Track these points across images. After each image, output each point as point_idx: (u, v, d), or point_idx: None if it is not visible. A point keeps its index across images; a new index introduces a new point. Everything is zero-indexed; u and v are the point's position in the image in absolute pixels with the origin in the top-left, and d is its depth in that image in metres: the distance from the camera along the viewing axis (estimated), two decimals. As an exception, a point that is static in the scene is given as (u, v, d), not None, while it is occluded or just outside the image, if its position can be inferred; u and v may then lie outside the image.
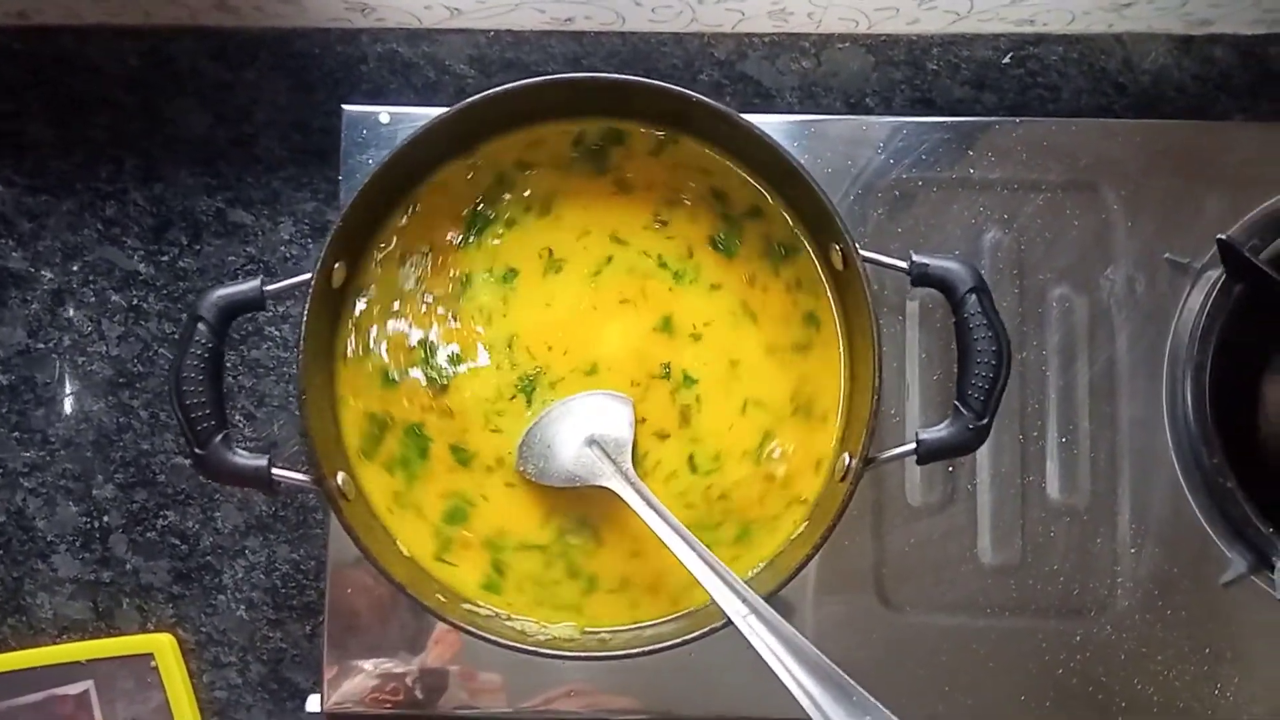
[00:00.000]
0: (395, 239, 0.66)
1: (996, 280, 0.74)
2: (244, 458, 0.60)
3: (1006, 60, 0.83)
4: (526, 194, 0.68)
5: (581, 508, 0.66)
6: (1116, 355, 0.75)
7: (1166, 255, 0.76)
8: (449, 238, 0.67)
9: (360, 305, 0.66)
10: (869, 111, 0.83)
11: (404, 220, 0.66)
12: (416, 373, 0.67)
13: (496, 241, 0.67)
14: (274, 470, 0.60)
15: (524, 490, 0.66)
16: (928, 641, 0.73)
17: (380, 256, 0.66)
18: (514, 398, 0.66)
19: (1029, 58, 0.83)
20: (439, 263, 0.67)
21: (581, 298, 0.67)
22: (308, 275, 0.59)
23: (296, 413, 0.75)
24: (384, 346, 0.66)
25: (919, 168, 0.76)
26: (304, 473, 0.61)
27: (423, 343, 0.67)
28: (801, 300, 0.67)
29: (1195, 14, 0.80)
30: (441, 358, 0.66)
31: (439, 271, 0.67)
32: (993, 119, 0.78)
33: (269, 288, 0.60)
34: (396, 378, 0.66)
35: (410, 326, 0.67)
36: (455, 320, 0.67)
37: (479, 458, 0.66)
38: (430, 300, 0.67)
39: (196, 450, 0.58)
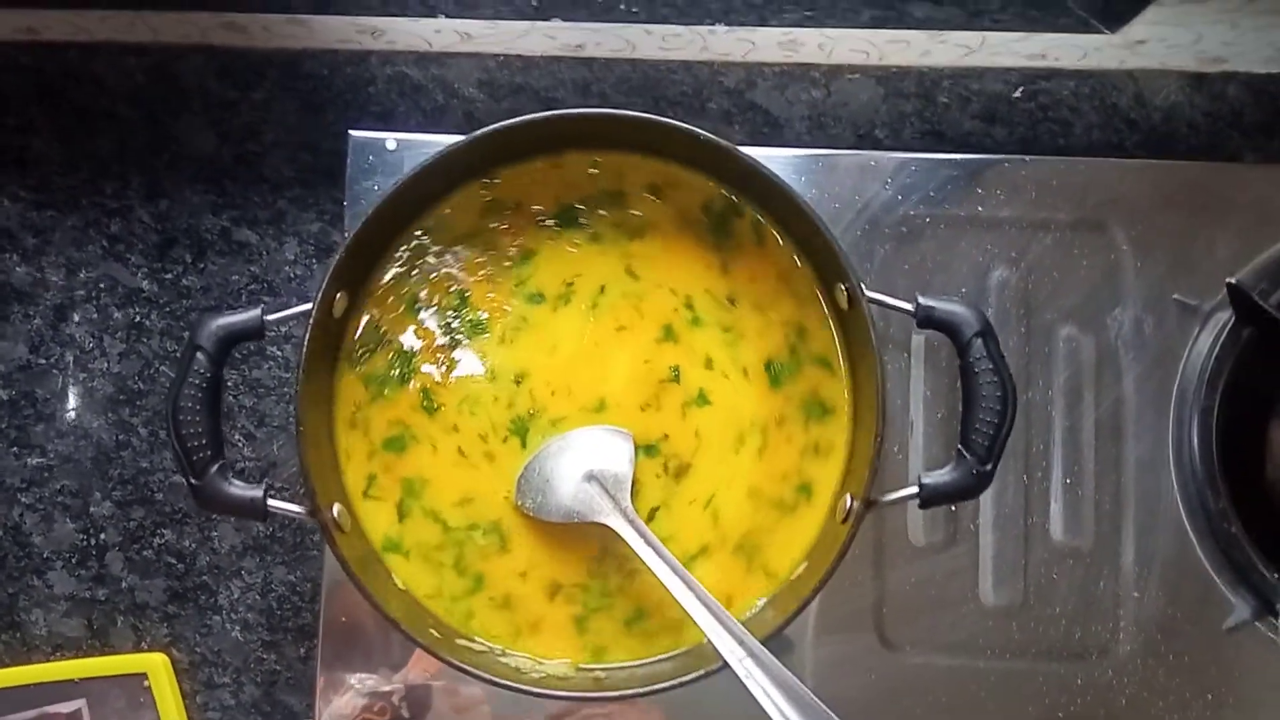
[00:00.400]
0: (398, 269, 0.66)
1: (1003, 319, 0.74)
2: (239, 488, 0.59)
3: (1018, 94, 0.83)
4: (522, 236, 0.68)
5: (579, 543, 0.66)
6: (1123, 396, 0.75)
7: (1175, 296, 0.75)
8: (456, 269, 0.67)
9: (360, 335, 0.65)
10: (878, 143, 0.82)
11: (409, 248, 0.66)
12: (415, 403, 0.66)
13: (505, 275, 0.67)
14: (270, 502, 0.59)
15: (521, 523, 0.66)
16: (927, 682, 0.72)
17: (383, 287, 0.65)
18: (506, 439, 0.66)
19: (1040, 92, 0.83)
20: (444, 293, 0.67)
21: (584, 333, 0.67)
22: (308, 305, 0.58)
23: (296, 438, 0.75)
24: (383, 377, 0.66)
25: (927, 204, 0.75)
26: (300, 503, 0.60)
27: (423, 376, 0.66)
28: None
29: (1208, 51, 0.80)
30: (442, 392, 0.66)
31: (443, 302, 0.67)
32: (1002, 157, 0.77)
33: (270, 317, 0.60)
34: (395, 406, 0.66)
35: (411, 358, 0.66)
36: (459, 352, 0.67)
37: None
38: (433, 331, 0.66)
39: (192, 480, 0.58)
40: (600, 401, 0.66)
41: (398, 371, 0.66)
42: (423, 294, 0.66)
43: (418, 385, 0.66)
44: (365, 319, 0.65)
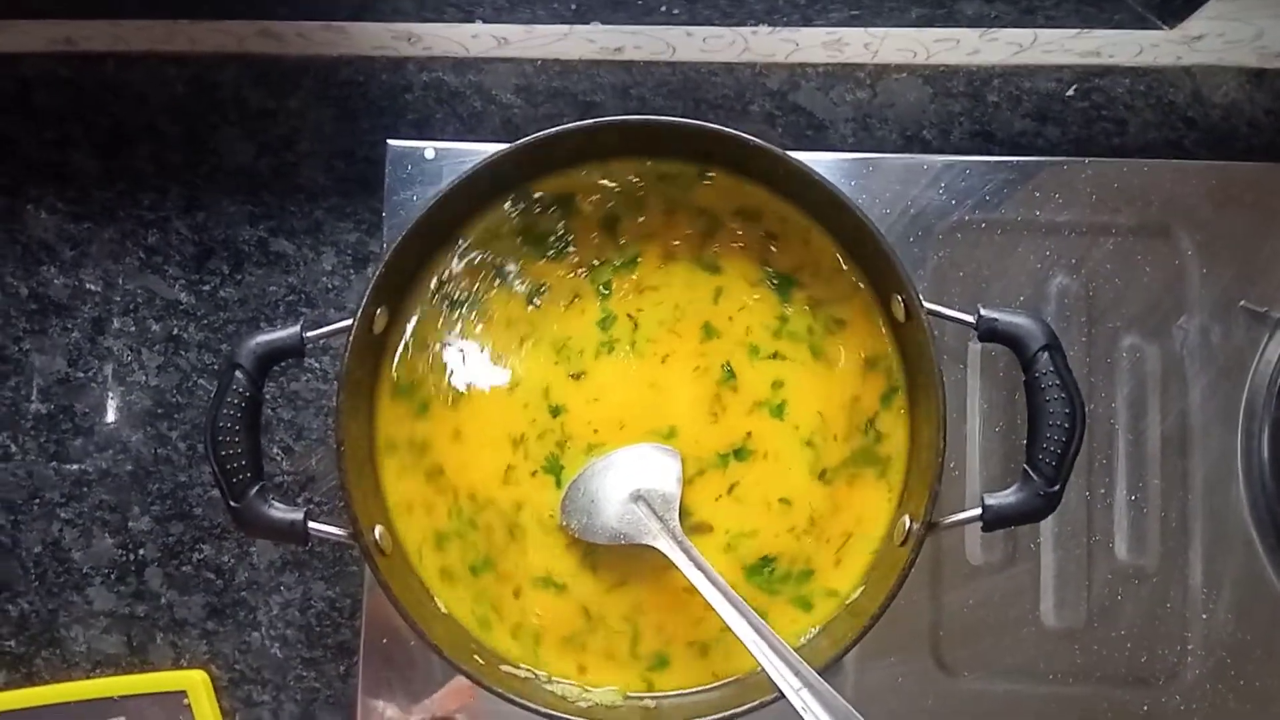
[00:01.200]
0: (441, 282, 0.65)
1: (1064, 329, 0.71)
2: (280, 511, 0.58)
3: (1070, 93, 0.80)
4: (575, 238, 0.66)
5: (624, 565, 0.64)
6: (1189, 408, 0.72)
7: (1243, 303, 0.73)
8: (499, 283, 0.66)
9: (401, 352, 0.64)
10: (926, 144, 0.80)
11: (453, 262, 0.65)
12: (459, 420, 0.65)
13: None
14: (310, 525, 0.58)
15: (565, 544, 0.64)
16: (985, 708, 0.70)
17: (424, 301, 0.64)
18: (535, 474, 0.65)
19: (1094, 90, 0.80)
20: (488, 309, 0.65)
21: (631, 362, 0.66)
22: (348, 321, 0.57)
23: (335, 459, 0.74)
24: (426, 394, 0.64)
25: (982, 209, 0.73)
26: (340, 525, 0.59)
27: (468, 392, 0.65)
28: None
29: (1270, 47, 0.77)
30: (487, 409, 0.65)
31: (488, 319, 0.65)
32: (1060, 159, 0.75)
33: (309, 334, 0.58)
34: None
35: (455, 375, 0.65)
36: (500, 369, 0.65)
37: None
38: (475, 348, 0.65)
39: (232, 503, 0.57)
40: (670, 429, 0.66)
41: (440, 389, 0.64)
42: (464, 308, 0.65)
43: (461, 403, 0.64)
44: (406, 335, 0.64)
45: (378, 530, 0.60)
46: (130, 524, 0.81)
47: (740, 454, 0.64)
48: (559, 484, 0.64)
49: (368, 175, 0.80)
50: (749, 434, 0.64)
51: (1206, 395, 0.72)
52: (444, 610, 0.62)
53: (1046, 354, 0.57)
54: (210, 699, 0.79)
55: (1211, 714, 0.70)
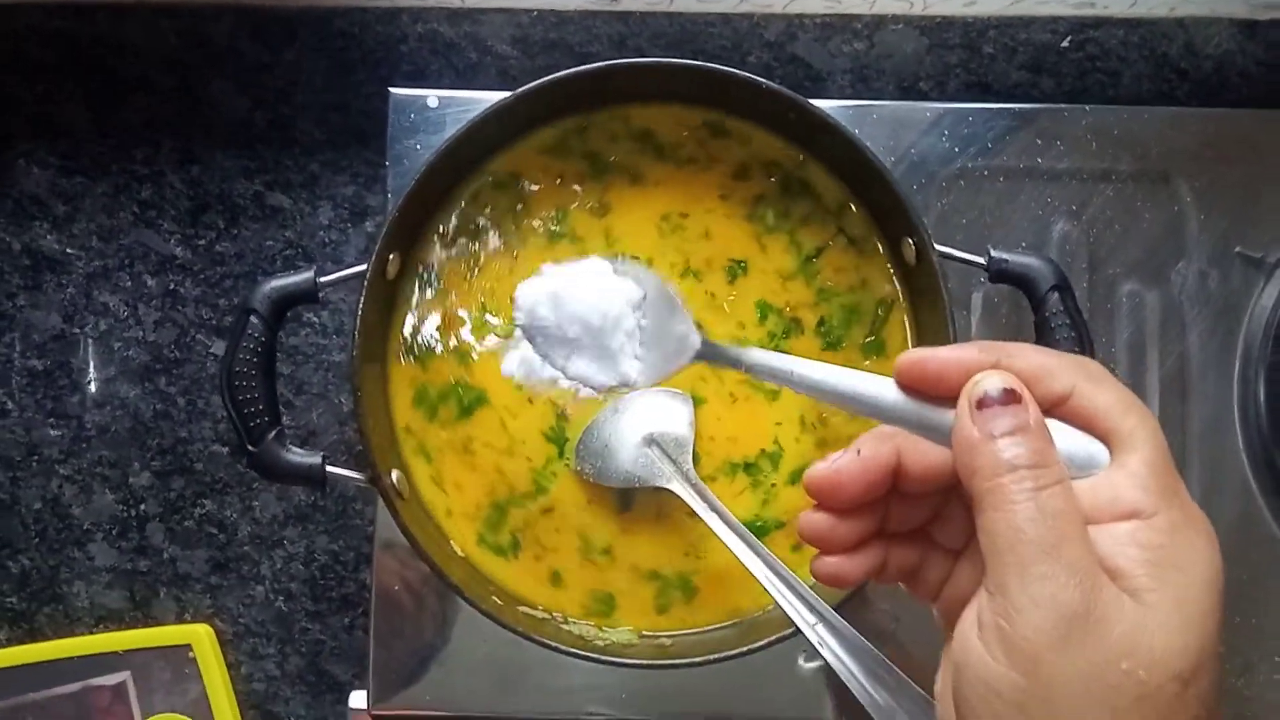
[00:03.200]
0: (454, 226, 0.64)
1: (1065, 274, 0.72)
2: (298, 455, 0.58)
3: (1065, 44, 0.80)
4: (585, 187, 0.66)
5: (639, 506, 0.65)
6: (1187, 353, 0.73)
7: (1239, 249, 0.73)
8: (511, 226, 0.65)
9: (415, 297, 0.64)
10: (923, 95, 0.80)
11: (463, 206, 0.64)
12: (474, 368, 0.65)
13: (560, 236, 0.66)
14: (329, 468, 0.58)
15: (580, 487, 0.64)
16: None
17: (437, 245, 0.64)
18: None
19: (1088, 41, 0.80)
20: (499, 252, 0.65)
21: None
22: (362, 266, 0.57)
23: (345, 405, 0.74)
24: (439, 341, 0.64)
25: (984, 156, 0.73)
26: (358, 470, 0.59)
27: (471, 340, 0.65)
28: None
29: (1260, -3, 0.77)
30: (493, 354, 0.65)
31: (498, 261, 0.65)
32: (1061, 106, 0.75)
33: (323, 279, 0.58)
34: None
35: (467, 321, 0.65)
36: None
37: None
38: (489, 292, 0.65)
39: (250, 447, 0.57)
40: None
41: (453, 335, 0.64)
42: (478, 254, 0.65)
43: (474, 350, 0.64)
44: (417, 282, 0.64)
45: (395, 474, 0.60)
46: (130, 480, 0.81)
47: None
48: (567, 432, 0.64)
49: (364, 128, 0.79)
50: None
51: (1204, 340, 0.73)
52: (460, 553, 0.63)
53: (1056, 294, 0.58)
54: (215, 652, 0.79)
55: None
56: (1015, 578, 0.37)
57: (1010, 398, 0.39)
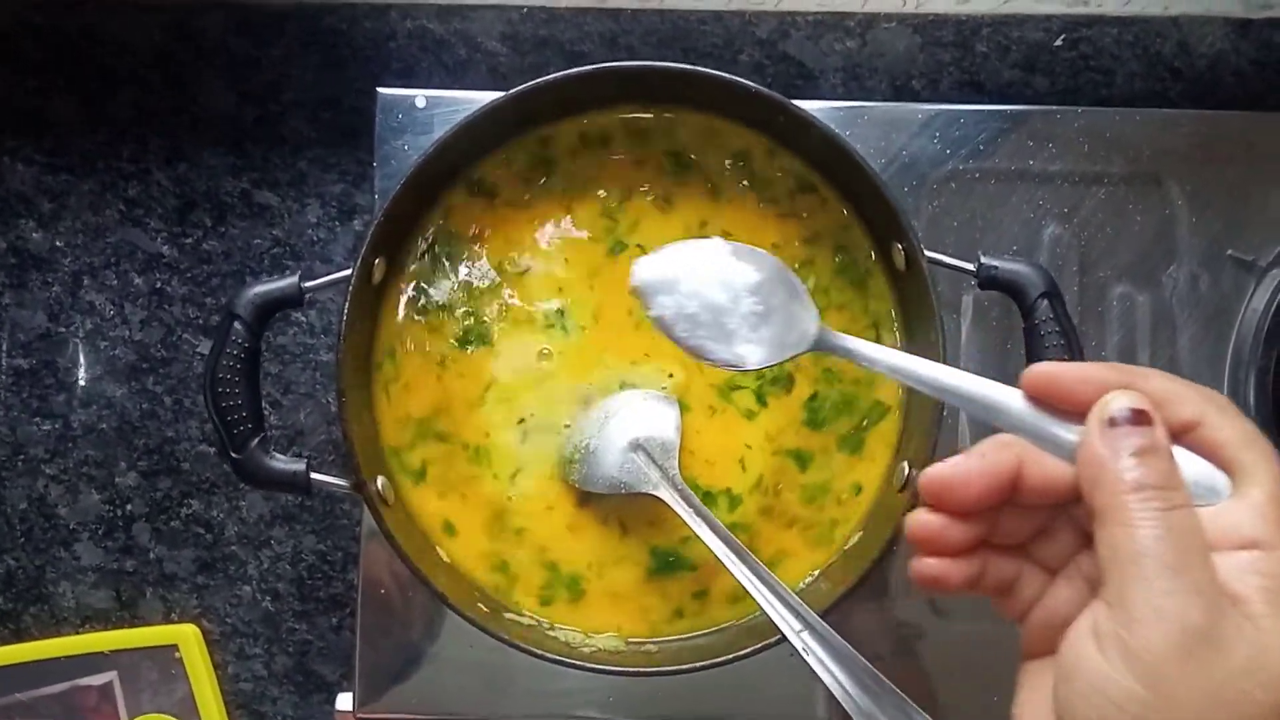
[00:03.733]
0: (440, 231, 0.64)
1: (1056, 277, 0.70)
2: (281, 462, 0.58)
3: (1059, 43, 0.80)
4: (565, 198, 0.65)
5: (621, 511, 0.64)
6: (1178, 356, 0.73)
7: (1231, 252, 0.73)
8: (498, 232, 0.65)
9: (403, 301, 0.63)
10: (915, 94, 0.80)
11: (451, 210, 0.64)
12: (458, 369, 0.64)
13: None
14: (313, 475, 0.58)
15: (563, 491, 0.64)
16: (978, 650, 0.70)
17: (423, 249, 0.63)
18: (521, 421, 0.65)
19: (1082, 40, 0.80)
20: (484, 257, 0.65)
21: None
22: (346, 272, 0.56)
23: (333, 406, 0.73)
24: (424, 344, 0.64)
25: (976, 158, 0.73)
26: (342, 477, 0.59)
27: (461, 339, 0.64)
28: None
29: (1255, -4, 0.77)
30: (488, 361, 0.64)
31: (483, 266, 0.65)
32: (1054, 108, 0.75)
33: (308, 284, 0.58)
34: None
35: (452, 322, 0.64)
36: (503, 319, 0.65)
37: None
38: (475, 295, 0.64)
39: (233, 454, 0.56)
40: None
41: (442, 337, 0.64)
42: (462, 258, 0.64)
43: (461, 350, 0.64)
44: (404, 285, 0.63)
45: (380, 480, 0.60)
46: (117, 479, 0.80)
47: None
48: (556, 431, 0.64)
49: (353, 125, 0.79)
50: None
51: (1195, 343, 0.73)
52: (446, 559, 0.62)
53: (1046, 301, 0.58)
54: (202, 652, 0.79)
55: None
56: (1139, 591, 0.37)
57: (1141, 418, 0.39)
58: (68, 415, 0.80)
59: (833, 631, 0.53)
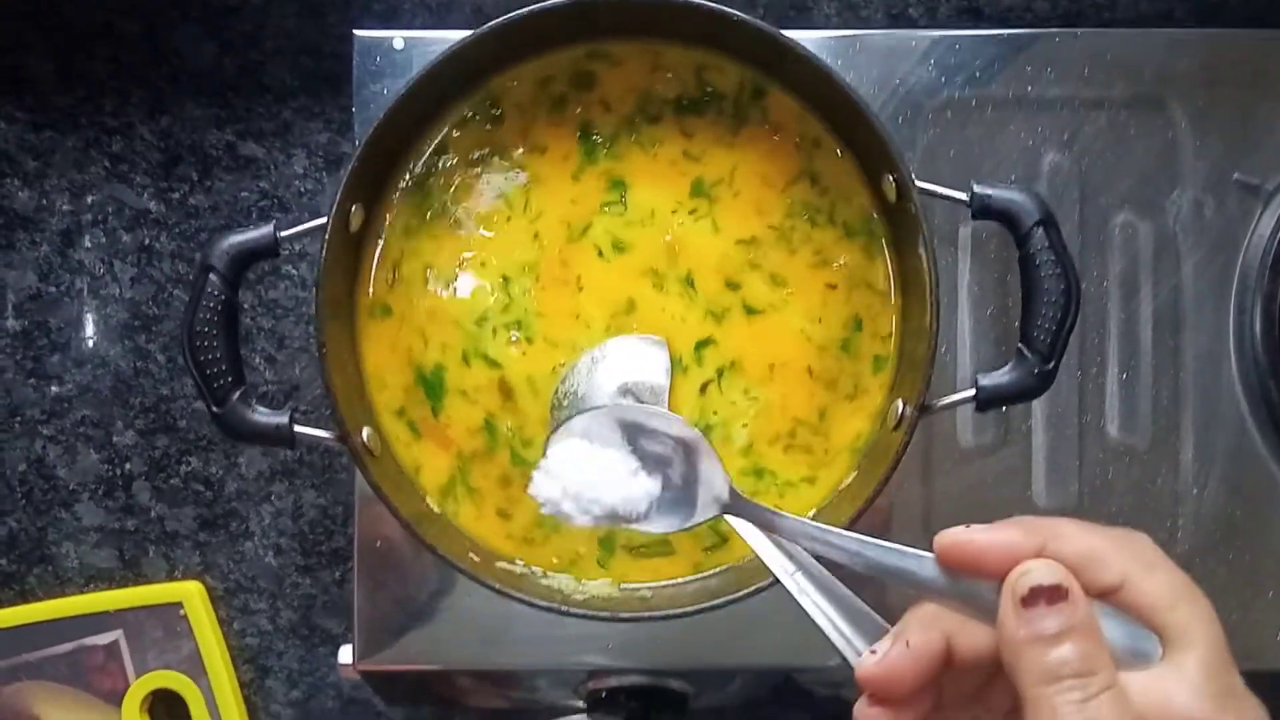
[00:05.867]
0: (418, 175, 0.62)
1: (1056, 207, 0.68)
2: (264, 415, 0.57)
3: (1060, -38, 0.78)
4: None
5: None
6: (1182, 285, 0.71)
7: (1236, 176, 0.71)
8: (480, 173, 0.64)
9: (381, 247, 0.62)
10: (912, 22, 0.78)
11: (428, 153, 0.62)
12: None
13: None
14: (296, 428, 0.57)
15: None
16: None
17: (402, 193, 0.62)
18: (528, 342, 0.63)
19: (1084, -41, 0.78)
20: (467, 198, 0.63)
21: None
22: (323, 219, 0.55)
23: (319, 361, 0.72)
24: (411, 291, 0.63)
25: (972, 85, 0.71)
26: (327, 429, 0.58)
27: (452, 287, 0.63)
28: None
29: (1264, -94, 0.74)
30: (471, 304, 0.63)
31: (467, 206, 0.63)
32: (1052, 30, 0.72)
33: (283, 233, 0.57)
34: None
35: (436, 271, 0.63)
36: (484, 262, 0.64)
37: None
38: (457, 239, 0.63)
39: (214, 409, 0.55)
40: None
41: (422, 282, 0.63)
42: (445, 200, 0.63)
43: (445, 296, 0.63)
44: (384, 230, 0.62)
45: (365, 432, 0.59)
46: (114, 439, 0.80)
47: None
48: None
49: (335, 72, 0.77)
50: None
51: (1199, 271, 0.71)
52: (436, 509, 0.62)
53: (1041, 229, 0.56)
54: (207, 609, 0.79)
55: (1201, 586, 0.70)
56: None
57: (1057, 595, 0.37)
58: (62, 375, 0.80)
59: (826, 572, 0.52)
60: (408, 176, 0.62)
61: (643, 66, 0.63)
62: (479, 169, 0.63)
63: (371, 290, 0.62)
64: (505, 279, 0.63)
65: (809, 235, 0.63)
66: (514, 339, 0.63)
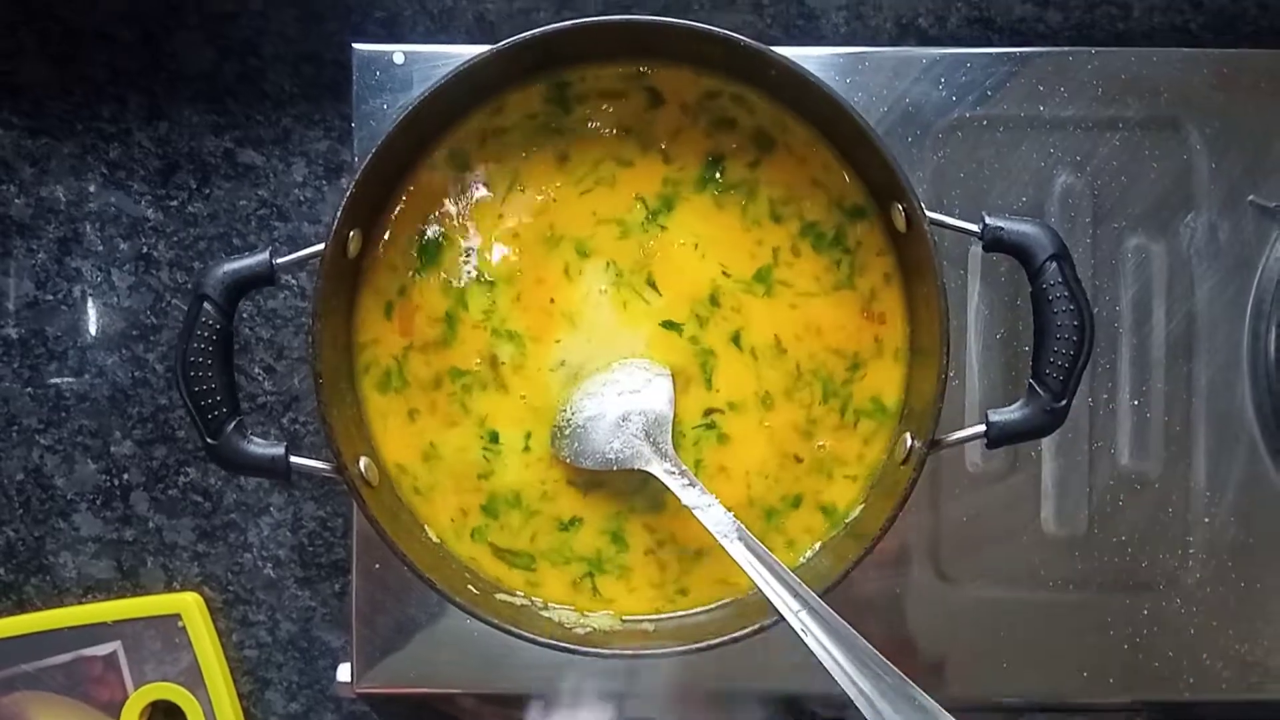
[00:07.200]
0: (417, 199, 0.61)
1: (1068, 230, 0.69)
2: (259, 446, 0.56)
3: (1074, -26, 0.76)
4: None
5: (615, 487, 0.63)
6: (1196, 309, 0.70)
7: (1252, 198, 0.70)
8: (481, 198, 0.62)
9: (382, 272, 0.61)
10: (922, 34, 0.77)
11: (428, 174, 0.61)
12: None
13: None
14: (293, 458, 0.56)
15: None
16: (985, 616, 0.69)
17: (400, 219, 0.61)
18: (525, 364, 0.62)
19: (1098, -29, 0.76)
20: (467, 222, 0.62)
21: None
22: (321, 246, 0.54)
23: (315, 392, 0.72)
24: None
25: (983, 104, 0.69)
26: (324, 459, 0.57)
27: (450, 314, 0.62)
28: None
29: (1282, -81, 0.73)
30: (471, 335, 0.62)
31: (467, 230, 0.62)
32: (1065, 49, 0.71)
33: (279, 260, 0.55)
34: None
35: (437, 294, 0.62)
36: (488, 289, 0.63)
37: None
38: (457, 266, 0.62)
39: (208, 440, 0.55)
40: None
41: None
42: (445, 227, 0.62)
43: (444, 322, 0.62)
44: (381, 255, 0.61)
45: (363, 462, 0.58)
46: (112, 449, 0.80)
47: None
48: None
49: (335, 79, 0.76)
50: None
51: (1213, 295, 0.70)
52: (435, 540, 0.61)
53: (1054, 264, 0.55)
54: (205, 620, 0.79)
55: (1212, 616, 0.69)
56: None
57: None
58: (59, 384, 0.79)
59: (832, 611, 0.52)
60: (410, 199, 0.61)
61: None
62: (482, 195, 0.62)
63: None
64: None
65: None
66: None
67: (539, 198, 0.62)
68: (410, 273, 0.62)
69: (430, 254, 0.62)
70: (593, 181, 0.62)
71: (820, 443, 0.62)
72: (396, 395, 0.62)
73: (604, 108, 0.62)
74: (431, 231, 0.62)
